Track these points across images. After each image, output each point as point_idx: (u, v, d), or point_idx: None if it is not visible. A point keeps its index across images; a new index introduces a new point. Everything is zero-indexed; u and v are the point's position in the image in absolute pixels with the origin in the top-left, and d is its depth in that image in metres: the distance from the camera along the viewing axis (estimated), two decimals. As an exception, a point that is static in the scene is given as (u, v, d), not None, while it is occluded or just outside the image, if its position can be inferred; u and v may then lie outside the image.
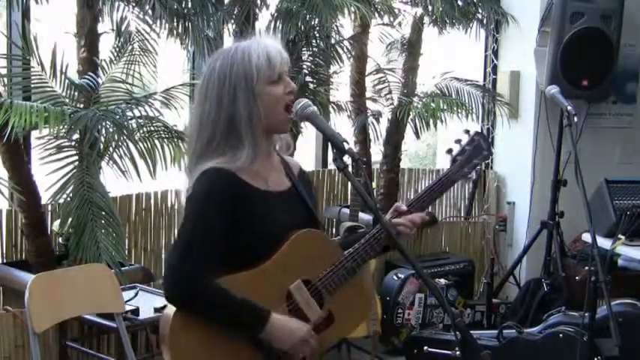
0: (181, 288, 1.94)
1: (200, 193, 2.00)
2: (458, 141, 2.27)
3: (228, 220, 1.98)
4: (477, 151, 2.26)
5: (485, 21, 4.98)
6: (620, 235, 3.94)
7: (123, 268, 3.32)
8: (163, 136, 3.48)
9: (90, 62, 3.56)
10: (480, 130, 2.33)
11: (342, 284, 2.09)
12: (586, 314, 3.00)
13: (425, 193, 2.19)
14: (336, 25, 4.26)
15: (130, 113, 3.44)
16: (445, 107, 4.72)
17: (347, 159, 1.97)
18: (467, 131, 2.30)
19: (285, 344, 1.99)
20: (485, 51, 5.42)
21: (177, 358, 1.97)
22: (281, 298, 2.04)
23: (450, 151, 2.27)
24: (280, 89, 2.05)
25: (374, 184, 5.05)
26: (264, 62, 2.02)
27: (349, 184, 4.76)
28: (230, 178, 2.01)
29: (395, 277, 4.45)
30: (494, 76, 5.38)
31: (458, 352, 1.83)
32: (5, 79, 3.41)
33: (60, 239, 3.60)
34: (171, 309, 1.98)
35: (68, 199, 3.26)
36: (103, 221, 3.29)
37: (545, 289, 4.46)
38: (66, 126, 3.21)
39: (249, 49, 2.03)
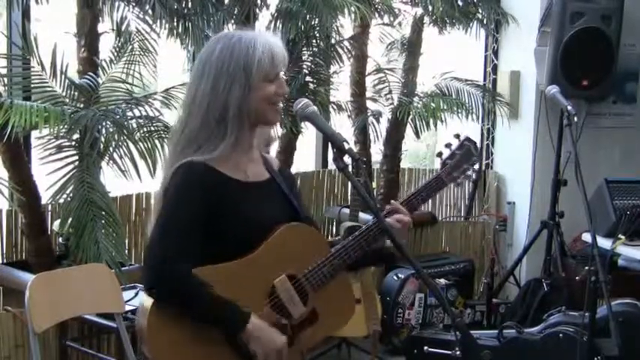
0: (160, 278, 1.91)
1: (176, 186, 1.99)
2: (448, 145, 2.28)
3: (206, 212, 1.97)
4: (467, 156, 2.26)
5: (485, 21, 4.99)
6: (620, 235, 3.94)
7: (123, 268, 3.32)
8: (163, 136, 3.47)
9: (90, 62, 3.56)
10: (469, 136, 2.33)
11: (329, 282, 2.07)
12: (586, 314, 3.00)
13: (413, 195, 2.19)
14: (336, 25, 4.26)
15: (130, 113, 3.43)
16: (445, 107, 4.73)
17: (347, 159, 1.97)
18: (457, 136, 2.31)
19: (260, 349, 1.95)
20: (486, 51, 5.42)
21: (156, 353, 1.95)
22: (264, 292, 2.02)
23: (439, 154, 2.28)
24: (273, 89, 2.04)
25: (374, 184, 5.05)
26: (268, 58, 2.01)
27: (349, 184, 4.77)
28: (207, 171, 1.99)
29: (395, 277, 4.45)
30: (494, 76, 5.38)
31: (458, 352, 1.82)
32: (5, 79, 3.41)
33: (60, 239, 3.60)
34: (147, 303, 1.96)
35: (68, 199, 3.26)
36: (103, 221, 3.29)
37: (546, 289, 4.46)
38: (66, 126, 3.21)
39: (255, 41, 2.01)
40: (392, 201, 2.17)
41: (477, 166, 2.29)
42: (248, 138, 2.07)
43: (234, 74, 1.99)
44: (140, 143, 3.37)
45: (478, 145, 2.37)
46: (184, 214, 1.96)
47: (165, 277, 1.91)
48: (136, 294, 3.36)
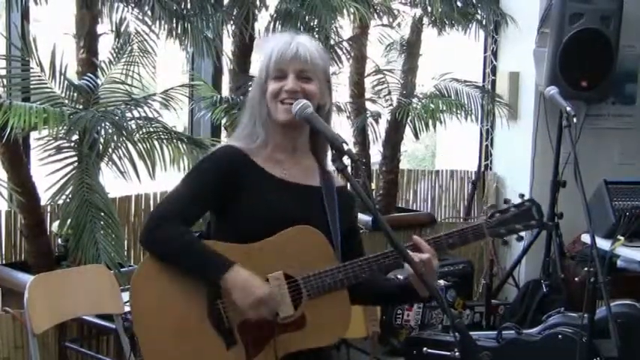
0: (151, 228, 2.00)
1: (205, 160, 2.13)
2: (507, 201, 2.18)
3: (220, 190, 2.04)
4: (524, 217, 2.16)
5: (484, 22, 4.98)
6: (619, 236, 3.94)
7: (122, 269, 3.31)
8: (162, 137, 3.48)
9: (89, 63, 3.55)
10: (531, 198, 2.22)
11: (327, 293, 2.03)
12: (585, 315, 3.00)
13: (445, 235, 2.11)
14: (335, 26, 4.25)
15: (129, 114, 3.43)
16: (444, 108, 4.73)
17: (346, 160, 1.96)
18: (521, 195, 2.21)
19: (241, 298, 1.95)
20: (485, 52, 5.42)
21: (136, 303, 2.02)
22: None
23: (494, 208, 2.17)
24: (276, 86, 2.07)
25: (373, 185, 5.05)
26: (272, 58, 2.07)
27: (348, 185, 4.76)
28: (240, 157, 2.08)
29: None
30: (493, 77, 5.38)
31: (457, 353, 1.82)
32: (4, 80, 3.41)
33: (59, 240, 3.60)
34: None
35: (67, 200, 3.26)
36: (102, 222, 3.29)
37: (545, 290, 4.46)
38: (65, 127, 3.21)
39: (273, 44, 2.10)
40: (414, 237, 2.07)
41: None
42: (281, 139, 2.11)
43: (258, 78, 2.13)
44: (139, 144, 3.37)
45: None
46: (199, 183, 2.07)
47: (157, 233, 1.99)
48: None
